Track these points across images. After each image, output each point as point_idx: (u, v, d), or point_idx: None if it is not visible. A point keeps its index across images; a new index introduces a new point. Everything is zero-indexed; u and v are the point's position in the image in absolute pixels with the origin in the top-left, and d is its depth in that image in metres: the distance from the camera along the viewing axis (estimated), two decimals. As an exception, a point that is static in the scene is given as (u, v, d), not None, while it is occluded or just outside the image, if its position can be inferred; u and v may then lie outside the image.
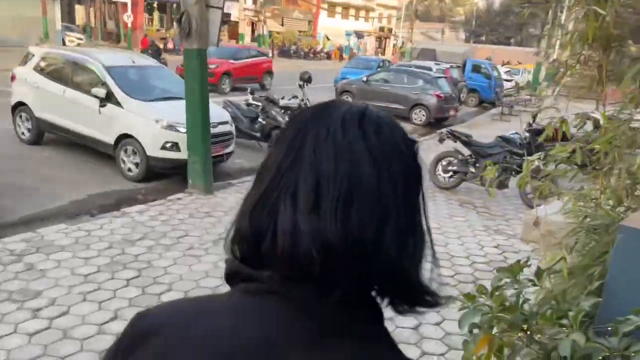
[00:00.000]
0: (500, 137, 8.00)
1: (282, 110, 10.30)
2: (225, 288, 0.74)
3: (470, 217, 6.90)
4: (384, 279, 0.67)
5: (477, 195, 7.95)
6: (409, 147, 0.71)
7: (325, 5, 50.87)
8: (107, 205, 6.65)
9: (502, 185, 7.71)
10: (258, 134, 10.03)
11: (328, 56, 45.31)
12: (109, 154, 7.99)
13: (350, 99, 16.39)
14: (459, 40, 68.78)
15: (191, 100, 6.93)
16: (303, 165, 0.65)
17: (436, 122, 15.57)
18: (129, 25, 25.41)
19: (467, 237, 6.12)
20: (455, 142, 8.45)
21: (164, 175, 7.81)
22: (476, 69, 21.10)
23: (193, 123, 6.98)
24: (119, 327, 3.83)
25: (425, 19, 75.78)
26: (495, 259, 5.49)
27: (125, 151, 7.71)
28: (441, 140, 8.70)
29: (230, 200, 6.90)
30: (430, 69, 16.18)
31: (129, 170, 7.73)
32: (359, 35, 55.68)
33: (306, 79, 11.70)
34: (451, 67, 17.61)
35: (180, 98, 8.39)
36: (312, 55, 43.72)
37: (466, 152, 8.27)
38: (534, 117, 7.58)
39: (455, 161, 8.16)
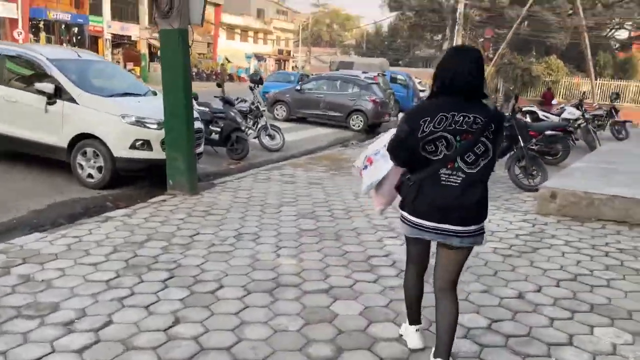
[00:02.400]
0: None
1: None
2: None
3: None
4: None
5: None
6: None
7: (224, 28, 50.16)
8: (76, 214, 5.57)
9: (488, 169, 7.70)
10: (216, 138, 9.22)
11: (231, 78, 44.55)
12: (61, 160, 6.79)
13: (284, 109, 15.97)
14: (352, 62, 71.37)
15: (171, 90, 6.10)
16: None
17: (370, 128, 15.63)
18: (20, 41, 22.88)
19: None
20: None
21: (125, 182, 6.78)
22: (394, 79, 21.76)
23: (174, 115, 6.14)
24: (189, 330, 3.03)
25: (317, 44, 77.91)
26: (533, 230, 5.33)
27: (84, 154, 6.60)
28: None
29: (222, 199, 6.13)
30: (358, 77, 16.26)
31: (90, 176, 6.61)
32: (259, 57, 55.61)
33: (257, 81, 11.11)
34: (379, 75, 17.89)
35: (137, 94, 7.49)
36: (214, 77, 42.67)
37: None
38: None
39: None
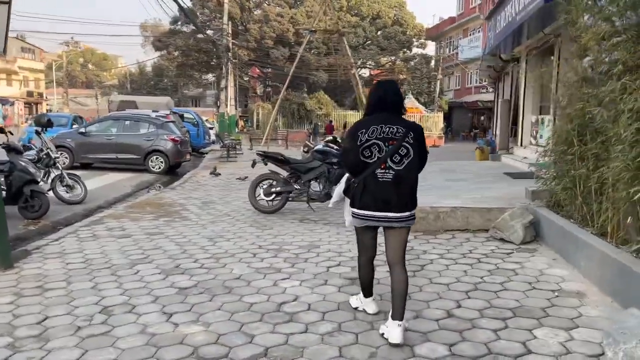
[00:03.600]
0: (316, 151, 8.15)
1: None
2: None
3: (329, 229, 6.73)
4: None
5: (306, 212, 7.84)
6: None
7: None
8: None
9: (327, 196, 7.84)
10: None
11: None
12: None
13: (66, 156, 13.92)
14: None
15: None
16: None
17: (171, 169, 14.71)
18: None
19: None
20: (266, 164, 8.19)
21: None
22: (181, 117, 21.00)
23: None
24: None
25: (72, 85, 71.18)
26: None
27: None
28: (254, 164, 8.28)
29: (51, 268, 4.88)
30: (148, 116, 15.17)
31: None
32: (4, 100, 47.96)
33: (45, 124, 9.38)
34: (172, 113, 17.00)
35: None
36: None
37: (280, 170, 8.12)
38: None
39: (277, 182, 7.87)
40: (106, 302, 4.01)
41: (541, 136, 11.37)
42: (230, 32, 32.78)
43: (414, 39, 48.10)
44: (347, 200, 3.45)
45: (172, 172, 14.75)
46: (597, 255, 4.09)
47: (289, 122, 29.90)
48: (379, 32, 46.84)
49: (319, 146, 8.60)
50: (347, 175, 3.50)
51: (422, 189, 7.00)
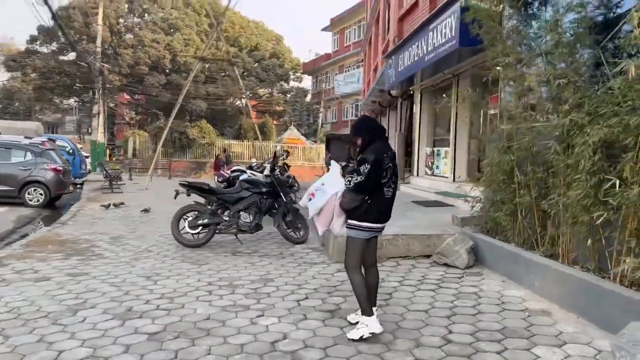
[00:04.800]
0: (244, 180, 7.88)
1: None
2: None
3: (270, 261, 6.51)
4: None
5: (234, 244, 7.52)
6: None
7: None
8: None
9: (257, 227, 7.63)
10: None
11: None
12: None
13: None
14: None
15: None
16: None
17: (52, 201, 13.24)
18: None
19: (309, 272, 5.83)
20: (189, 195, 7.73)
21: None
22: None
23: None
24: None
25: None
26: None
27: None
28: (176, 196, 7.76)
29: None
30: (22, 143, 13.50)
31: None
32: None
33: None
34: (49, 139, 15.30)
35: None
36: None
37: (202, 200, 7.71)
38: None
39: (203, 214, 7.45)
40: (68, 356, 3.41)
41: (437, 167, 12.28)
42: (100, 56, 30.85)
43: (291, 72, 49.45)
44: (336, 214, 3.88)
45: (52, 205, 13.24)
46: (555, 275, 4.47)
47: (168, 151, 28.62)
48: (256, 64, 47.40)
49: (245, 176, 8.36)
50: (318, 191, 3.95)
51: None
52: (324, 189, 3.95)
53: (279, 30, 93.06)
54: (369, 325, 3.74)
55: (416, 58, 10.08)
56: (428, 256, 6.38)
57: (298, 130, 37.14)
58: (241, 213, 7.59)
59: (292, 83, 50.15)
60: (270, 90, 49.09)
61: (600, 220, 3.98)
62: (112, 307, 4.50)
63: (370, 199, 3.73)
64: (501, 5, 6.05)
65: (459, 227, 6.90)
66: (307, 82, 52.91)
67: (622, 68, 3.84)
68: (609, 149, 4.10)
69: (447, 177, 10.86)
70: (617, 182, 3.79)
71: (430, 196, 10.65)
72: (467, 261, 5.85)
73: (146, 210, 11.47)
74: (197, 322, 4.15)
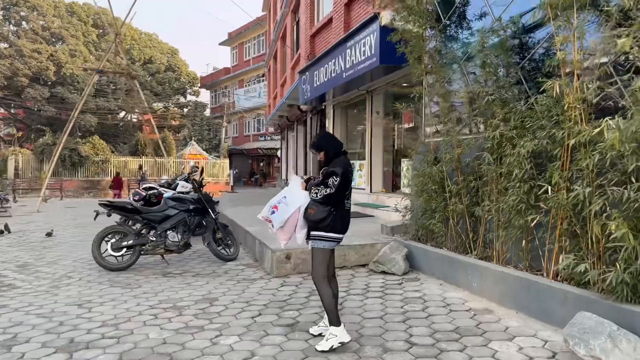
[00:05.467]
0: (169, 198, 7.56)
1: None
2: None
3: (207, 280, 6.32)
4: None
5: (161, 266, 7.19)
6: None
7: None
8: None
9: (186, 246, 7.37)
10: None
11: None
12: None
13: None
14: None
15: None
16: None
17: None
18: None
19: (252, 289, 5.74)
20: (110, 215, 7.28)
21: None
22: None
23: None
24: None
25: None
26: (305, 291, 5.57)
27: None
28: (96, 217, 7.25)
29: None
30: None
31: None
32: None
33: None
34: None
35: None
36: None
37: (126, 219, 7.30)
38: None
39: (127, 235, 7.04)
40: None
41: (353, 179, 12.66)
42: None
43: (188, 86, 48.26)
44: (300, 226, 3.95)
45: None
46: (494, 275, 4.86)
47: (57, 169, 26.41)
48: (150, 77, 45.63)
49: (169, 193, 8.04)
50: (280, 204, 4.01)
51: (274, 236, 7.10)
52: (287, 202, 3.99)
53: (174, 44, 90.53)
54: (338, 335, 3.79)
55: (334, 74, 10.39)
56: (363, 265, 6.58)
57: (199, 145, 36.21)
58: (168, 232, 7.27)
59: (189, 97, 48.98)
60: (165, 104, 47.47)
61: (534, 222, 4.42)
62: (51, 340, 4.11)
63: (335, 211, 3.84)
64: (423, 27, 6.46)
65: (388, 236, 7.20)
66: (205, 96, 51.99)
67: (546, 87, 4.31)
68: (536, 159, 4.56)
69: (363, 189, 11.25)
70: (549, 187, 4.23)
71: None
72: (404, 268, 6.13)
73: (49, 234, 10.53)
74: (154, 347, 3.93)
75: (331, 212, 3.84)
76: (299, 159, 19.93)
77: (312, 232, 3.91)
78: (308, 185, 4.03)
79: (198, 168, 17.09)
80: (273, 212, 4.00)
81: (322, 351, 3.75)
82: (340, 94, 12.15)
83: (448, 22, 6.48)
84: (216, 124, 45.33)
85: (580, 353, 3.28)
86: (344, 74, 9.77)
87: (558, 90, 4.21)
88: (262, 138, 39.22)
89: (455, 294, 5.24)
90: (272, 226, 4.01)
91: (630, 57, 3.56)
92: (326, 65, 10.86)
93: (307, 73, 12.45)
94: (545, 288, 4.24)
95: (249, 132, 43.01)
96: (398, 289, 5.52)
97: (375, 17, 8.26)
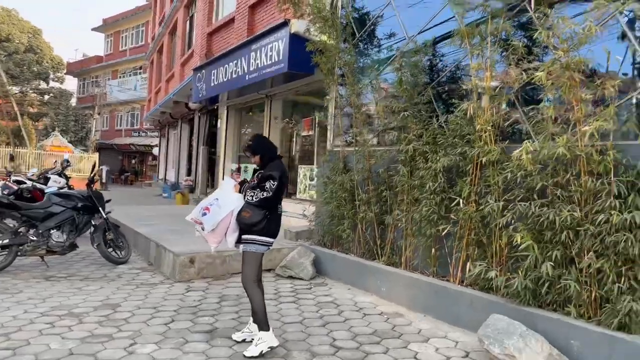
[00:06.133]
0: (54, 194, 6.82)
1: None
2: None
3: (100, 285, 5.82)
4: None
5: (40, 268, 6.49)
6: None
7: None
8: None
9: (72, 247, 6.73)
10: None
11: None
12: None
13: None
14: None
15: None
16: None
17: None
18: None
19: (156, 294, 5.41)
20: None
21: None
22: None
23: None
24: None
25: None
26: (207, 298, 5.40)
27: None
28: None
29: None
30: None
31: None
32: None
33: None
34: None
35: None
36: None
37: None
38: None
39: (3, 233, 6.23)
40: None
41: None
42: None
43: (51, 71, 43.95)
44: (232, 229, 3.83)
45: None
46: (403, 280, 5.15)
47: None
48: (7, 58, 40.73)
49: (53, 188, 7.27)
50: (212, 206, 3.86)
51: (172, 239, 6.85)
52: (220, 204, 3.86)
53: (37, 23, 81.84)
54: (267, 340, 3.75)
55: (235, 76, 10.22)
56: (269, 270, 6.55)
57: (63, 136, 33.08)
58: (52, 231, 6.56)
59: (52, 83, 44.60)
60: (22, 88, 42.66)
61: (445, 232, 4.78)
62: None
63: (270, 215, 3.81)
64: (337, 40, 6.66)
65: (292, 241, 7.26)
66: (72, 84, 47.76)
67: (460, 108, 4.71)
68: (448, 173, 4.95)
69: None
70: (461, 200, 4.61)
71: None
72: (312, 273, 6.22)
73: None
74: (60, 358, 3.54)
75: (266, 216, 3.79)
76: (182, 159, 19.20)
77: (245, 236, 3.82)
78: (242, 188, 3.95)
79: (70, 163, 15.73)
80: (204, 214, 3.85)
81: (252, 357, 3.67)
82: (237, 96, 11.99)
83: (362, 38, 6.76)
84: (84, 115, 41.83)
85: (494, 352, 3.62)
86: (247, 76, 9.67)
87: (471, 112, 4.62)
88: (136, 134, 37.01)
89: (365, 298, 5.45)
90: (203, 228, 3.84)
91: (542, 88, 4.02)
92: (226, 66, 10.64)
93: (203, 71, 12.08)
94: (454, 293, 4.60)
95: (121, 126, 40.32)
96: (309, 294, 5.59)
97: (285, 24, 8.30)
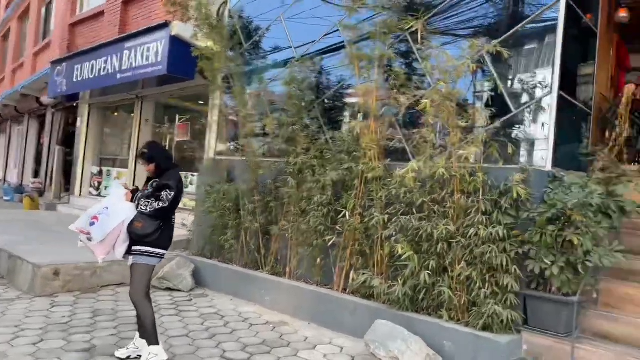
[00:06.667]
0: None
1: None
2: None
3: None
4: None
5: None
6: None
7: None
8: None
9: None
10: None
11: None
12: None
13: None
14: None
15: None
16: None
17: None
18: None
19: (14, 310, 4.84)
20: None
21: None
22: None
23: None
24: None
25: None
26: (102, 311, 5.01)
27: None
28: None
29: None
30: None
31: None
32: None
33: None
34: None
35: None
36: None
37: None
38: None
39: None
40: None
41: (106, 187, 11.71)
42: None
43: None
44: (122, 240, 3.62)
45: None
46: (288, 290, 5.27)
47: None
48: None
49: None
50: (102, 215, 3.61)
51: (29, 249, 6.23)
52: (109, 213, 3.63)
53: None
54: (158, 354, 3.61)
55: (104, 73, 9.53)
56: (144, 282, 6.22)
57: None
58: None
59: None
60: None
61: (330, 242, 5.02)
62: None
63: (164, 225, 3.69)
64: (224, 48, 6.63)
65: (170, 251, 6.97)
66: None
67: (349, 127, 5.01)
68: (335, 186, 5.20)
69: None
70: (347, 212, 4.88)
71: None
72: (191, 284, 6.06)
73: None
74: None
75: (160, 227, 3.67)
76: (28, 159, 17.25)
77: (136, 247, 3.64)
78: (135, 197, 3.75)
79: None
80: (92, 224, 3.59)
81: None
82: (102, 94, 11.21)
83: (250, 48, 6.81)
84: None
85: (380, 355, 3.90)
86: (119, 75, 9.10)
87: (358, 130, 4.94)
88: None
89: (249, 308, 5.46)
90: (90, 239, 3.58)
91: (423, 113, 4.45)
92: (94, 62, 9.89)
93: (64, 65, 11.07)
94: (338, 301, 4.84)
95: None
96: (191, 306, 5.44)
97: (165, 25, 8.02)
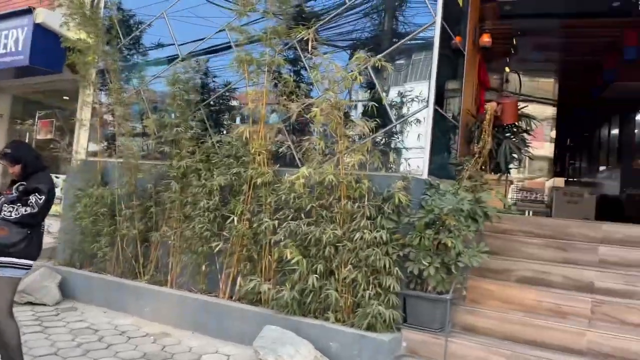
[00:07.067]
0: None
1: None
2: None
3: None
4: None
5: None
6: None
7: None
8: None
9: None
10: None
11: None
12: None
13: None
14: None
15: None
16: None
17: None
18: None
19: None
20: None
21: None
22: None
23: None
24: None
25: None
26: None
27: None
28: None
29: None
30: None
31: None
32: None
33: None
34: None
35: None
36: None
37: None
38: None
39: None
40: None
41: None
42: None
43: None
44: None
45: None
46: (169, 299, 5.03)
47: None
48: None
49: None
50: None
51: None
52: None
53: None
54: None
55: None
56: None
57: None
58: None
59: None
60: None
61: (217, 249, 4.90)
62: None
63: (32, 233, 3.35)
64: (99, 41, 6.17)
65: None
66: None
67: (237, 132, 4.95)
68: (222, 191, 5.09)
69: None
70: (235, 218, 4.81)
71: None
72: (58, 297, 5.52)
73: None
74: None
75: (28, 235, 3.32)
76: None
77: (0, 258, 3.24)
78: None
79: None
80: None
81: None
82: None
83: (130, 44, 6.42)
84: None
85: (269, 361, 3.89)
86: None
87: (247, 135, 4.90)
88: None
89: (125, 320, 5.11)
90: None
91: (312, 121, 4.53)
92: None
93: None
94: (224, 308, 4.73)
95: None
96: (58, 321, 4.95)
97: (28, 11, 7.26)
